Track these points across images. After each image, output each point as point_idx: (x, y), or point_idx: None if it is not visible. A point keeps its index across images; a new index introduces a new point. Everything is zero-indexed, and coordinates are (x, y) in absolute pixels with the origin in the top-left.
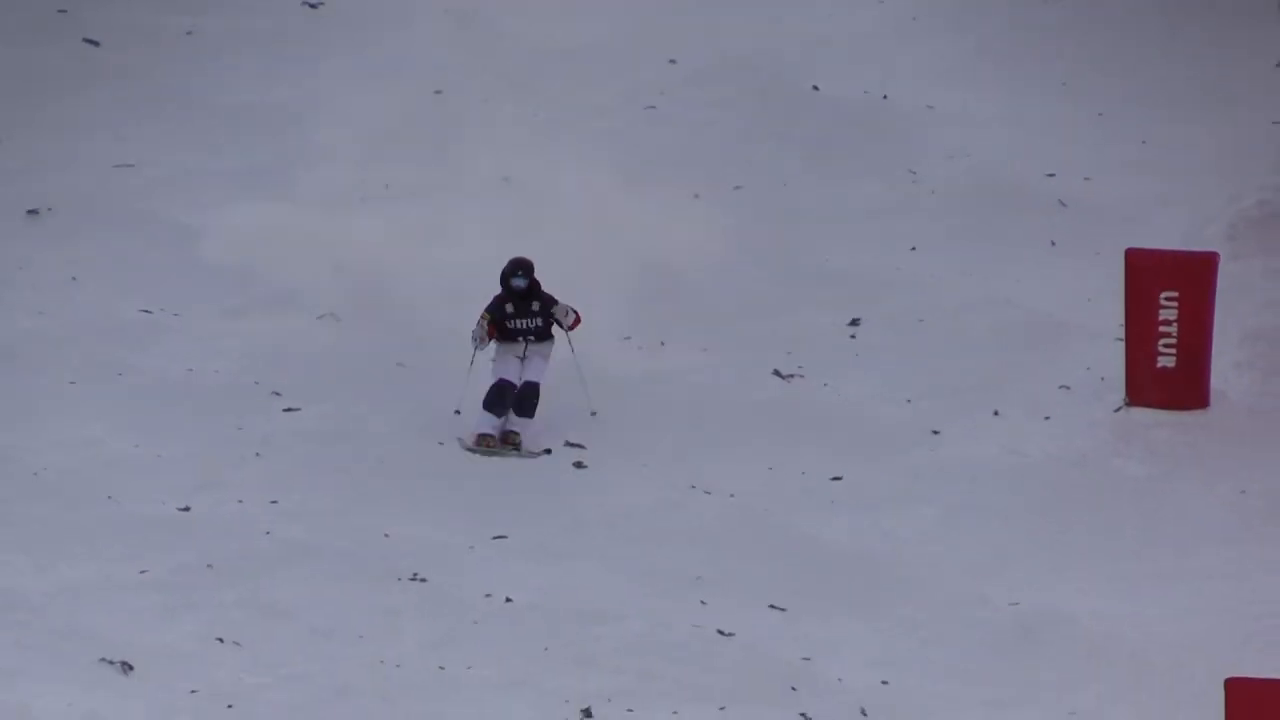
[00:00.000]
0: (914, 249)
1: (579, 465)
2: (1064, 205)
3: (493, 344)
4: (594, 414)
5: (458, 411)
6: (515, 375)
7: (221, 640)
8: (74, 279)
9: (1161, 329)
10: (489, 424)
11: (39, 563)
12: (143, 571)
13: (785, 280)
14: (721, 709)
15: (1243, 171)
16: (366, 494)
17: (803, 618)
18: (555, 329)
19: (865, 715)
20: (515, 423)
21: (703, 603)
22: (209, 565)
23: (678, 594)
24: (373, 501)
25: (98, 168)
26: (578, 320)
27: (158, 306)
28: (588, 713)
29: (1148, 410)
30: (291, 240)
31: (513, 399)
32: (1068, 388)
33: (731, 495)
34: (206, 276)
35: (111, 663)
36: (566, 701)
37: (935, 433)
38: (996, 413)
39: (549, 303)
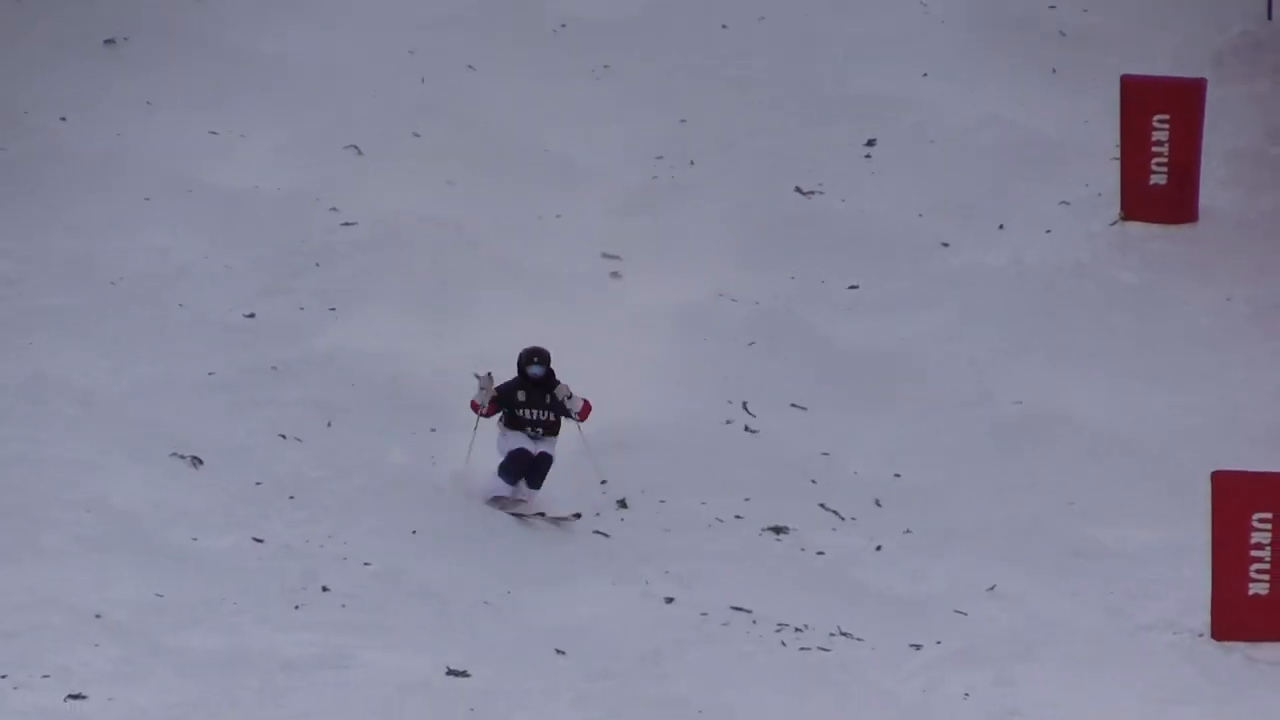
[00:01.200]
0: (925, 75)
1: (615, 275)
2: (1064, 35)
3: (497, 424)
4: (604, 483)
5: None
6: (531, 446)
7: (284, 437)
8: (148, 104)
9: (1154, 149)
10: (502, 489)
11: (115, 365)
12: (211, 373)
13: (805, 104)
14: (746, 500)
15: (1228, 4)
16: (420, 301)
17: (822, 415)
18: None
19: (880, 505)
20: (524, 493)
21: (729, 401)
22: (273, 367)
23: (706, 392)
24: (425, 307)
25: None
26: (588, 408)
27: (225, 129)
28: (623, 503)
29: (1141, 224)
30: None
31: (528, 469)
32: (1067, 203)
33: (756, 302)
34: (271, 102)
35: (182, 457)
36: (604, 493)
37: (945, 244)
38: (1001, 226)
39: (565, 398)
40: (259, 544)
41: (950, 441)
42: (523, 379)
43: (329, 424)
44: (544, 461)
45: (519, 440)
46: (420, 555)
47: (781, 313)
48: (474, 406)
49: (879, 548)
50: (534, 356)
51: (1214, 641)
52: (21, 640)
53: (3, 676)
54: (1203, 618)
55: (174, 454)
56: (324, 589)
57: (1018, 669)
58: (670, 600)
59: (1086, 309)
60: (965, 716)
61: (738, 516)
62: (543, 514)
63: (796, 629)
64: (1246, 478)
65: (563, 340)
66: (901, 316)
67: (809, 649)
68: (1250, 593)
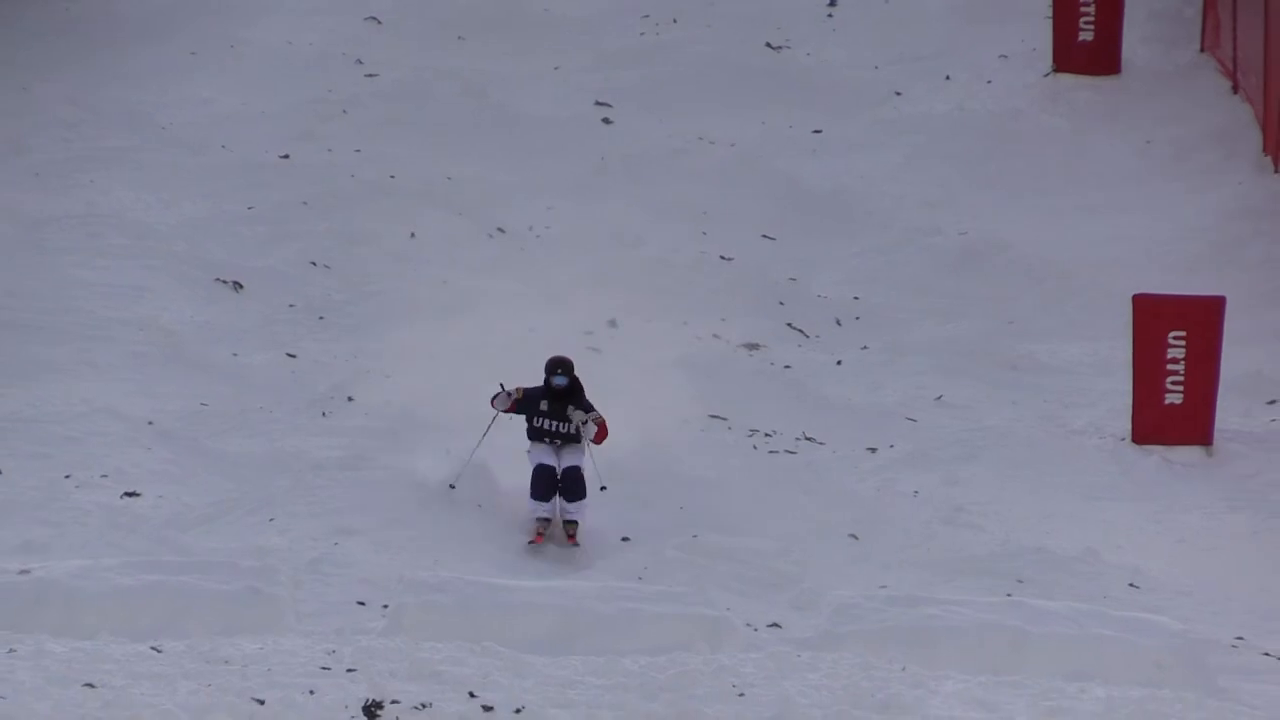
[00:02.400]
0: None
1: (606, 121)
2: None
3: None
4: (603, 489)
5: (452, 486)
6: (554, 460)
7: (314, 264)
8: None
9: (1082, 8)
10: (542, 510)
11: (165, 200)
12: (250, 208)
13: None
14: (722, 320)
15: None
16: (435, 143)
17: (789, 244)
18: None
19: (839, 324)
20: (569, 510)
21: (704, 233)
22: (304, 202)
23: (687, 225)
24: (441, 149)
25: None
26: (603, 432)
27: None
28: (612, 322)
29: (1071, 75)
30: None
31: (557, 485)
32: (1005, 57)
33: (731, 144)
34: None
35: (224, 282)
36: (596, 312)
37: (898, 93)
38: (948, 77)
39: (577, 420)
40: (292, 359)
41: (902, 268)
42: (547, 388)
43: (353, 250)
44: (573, 475)
45: (542, 454)
46: (436, 370)
47: (753, 154)
48: (492, 403)
49: (839, 362)
50: (558, 367)
51: (1134, 445)
52: (82, 445)
53: (66, 476)
54: (1125, 424)
55: (217, 279)
56: (349, 399)
57: (962, 470)
58: (656, 409)
59: (1023, 151)
60: (915, 512)
61: (715, 335)
62: (574, 537)
63: (766, 434)
64: (1164, 300)
65: (558, 180)
66: (859, 157)
67: (777, 452)
68: (1166, 402)
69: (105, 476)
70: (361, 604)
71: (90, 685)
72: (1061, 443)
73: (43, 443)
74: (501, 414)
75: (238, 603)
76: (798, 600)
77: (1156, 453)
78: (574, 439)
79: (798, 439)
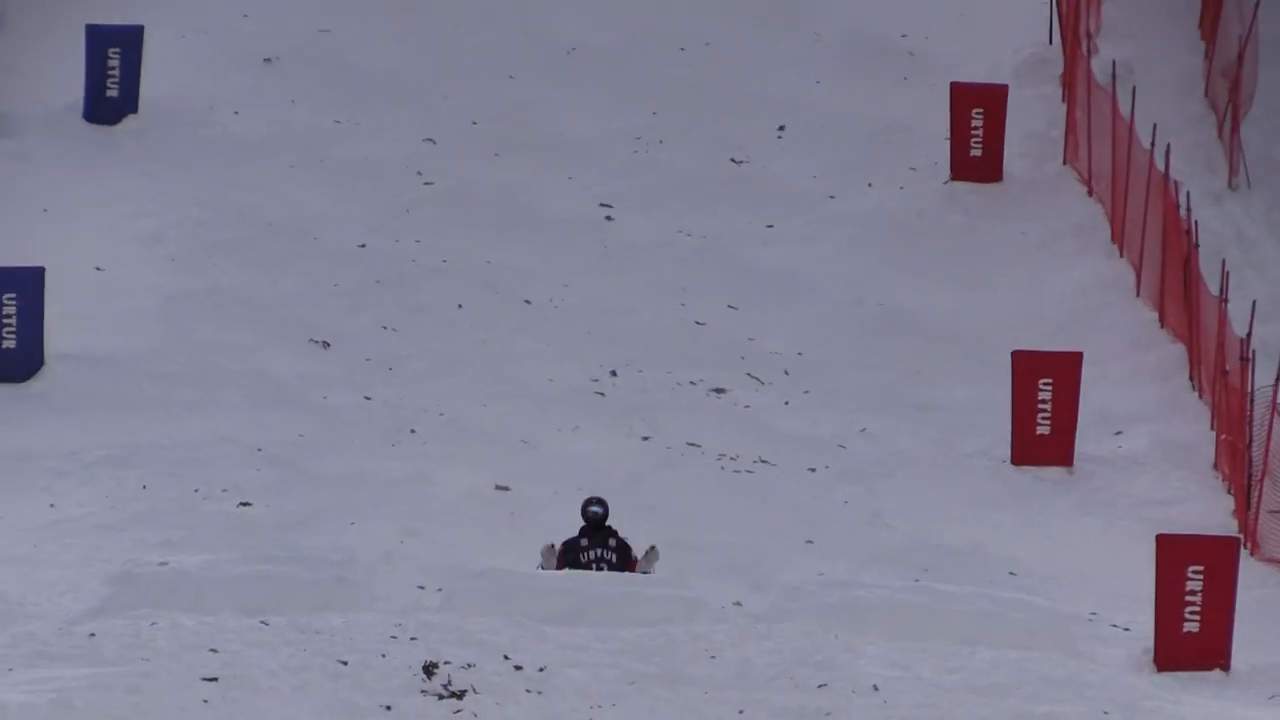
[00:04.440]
0: (818, 82)
1: (608, 218)
2: (911, 54)
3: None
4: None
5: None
6: None
7: (385, 328)
8: (293, 102)
9: (973, 133)
10: None
11: (271, 278)
12: (335, 284)
13: (739, 103)
14: (696, 371)
15: (1022, 33)
16: (478, 235)
17: (748, 312)
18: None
19: (787, 374)
20: None
21: (683, 304)
22: (377, 281)
23: (670, 298)
24: (482, 240)
25: None
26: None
27: (346, 119)
28: (614, 372)
29: (964, 183)
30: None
31: None
32: (914, 169)
33: (704, 236)
34: (378, 101)
35: (316, 341)
36: (600, 365)
37: (831, 197)
38: (870, 184)
39: (625, 546)
40: (368, 400)
41: (835, 331)
42: (585, 522)
43: (415, 318)
44: None
45: None
46: (479, 409)
47: (720, 244)
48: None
49: (787, 403)
50: (594, 501)
51: (1013, 465)
52: (207, 466)
53: (195, 490)
54: (1005, 449)
55: (311, 339)
56: (412, 431)
57: (880, 484)
58: (646, 439)
59: (927, 241)
60: (844, 516)
61: (692, 382)
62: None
63: (730, 458)
64: (1035, 355)
65: (571, 263)
66: (802, 246)
67: (739, 471)
68: (1037, 432)
69: (225, 491)
70: (421, 588)
71: (214, 650)
72: (956, 464)
73: (178, 464)
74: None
75: (326, 587)
76: (755, 583)
77: (1030, 472)
78: (621, 568)
79: (755, 461)
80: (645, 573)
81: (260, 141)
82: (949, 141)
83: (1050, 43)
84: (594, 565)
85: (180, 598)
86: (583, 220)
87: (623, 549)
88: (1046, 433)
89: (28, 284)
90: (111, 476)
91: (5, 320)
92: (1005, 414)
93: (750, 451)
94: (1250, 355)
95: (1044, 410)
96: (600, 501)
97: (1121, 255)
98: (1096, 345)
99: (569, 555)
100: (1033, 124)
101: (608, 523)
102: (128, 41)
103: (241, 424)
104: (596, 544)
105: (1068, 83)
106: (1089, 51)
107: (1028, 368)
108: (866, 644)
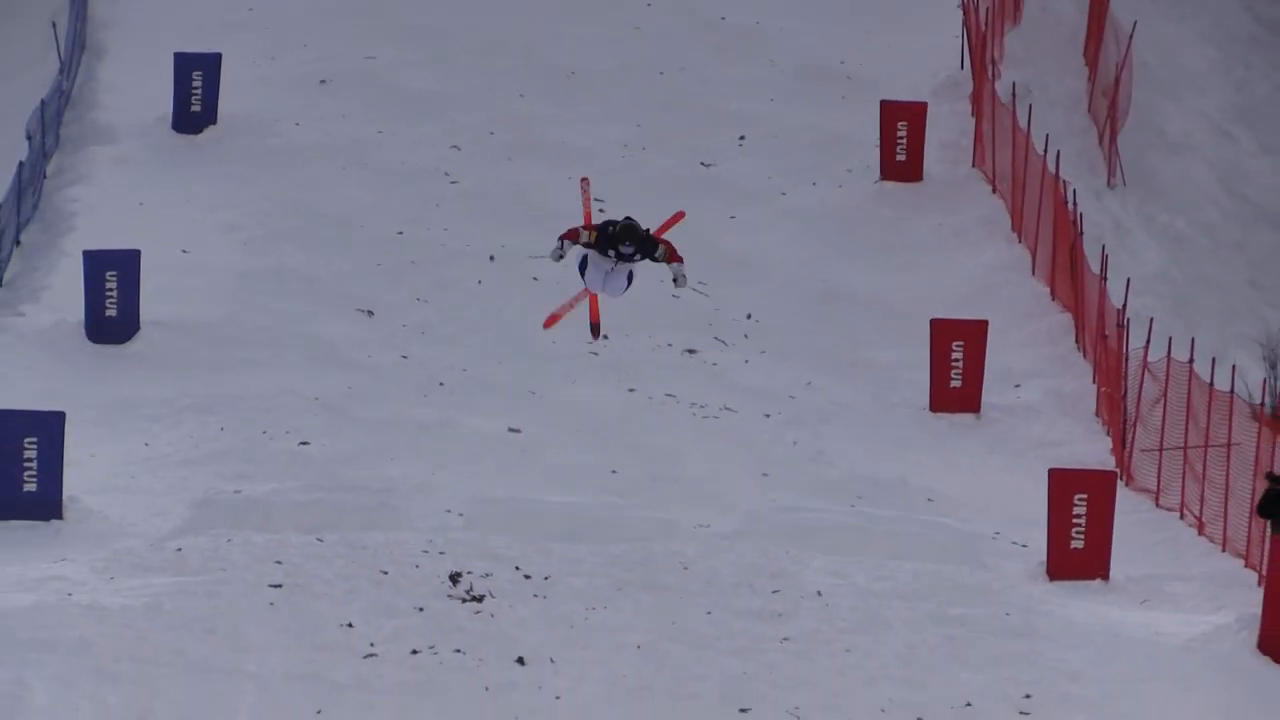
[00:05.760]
0: (772, 100)
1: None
2: (849, 78)
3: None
4: (701, 282)
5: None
6: (599, 287)
7: (419, 299)
8: (344, 116)
9: (898, 141)
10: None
11: (325, 259)
12: (378, 264)
13: (707, 117)
14: (674, 343)
15: (940, 57)
16: (495, 225)
17: (715, 289)
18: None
19: (747, 337)
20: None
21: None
22: (412, 261)
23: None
24: (499, 228)
25: None
26: (680, 259)
27: (386, 130)
28: (605, 336)
29: (892, 182)
30: (462, 100)
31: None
32: (851, 170)
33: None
34: (414, 114)
35: (362, 311)
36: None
37: (783, 193)
38: (814, 183)
39: (651, 248)
40: (405, 359)
41: (786, 303)
42: (617, 243)
43: (444, 292)
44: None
45: (597, 271)
46: (495, 366)
47: (692, 233)
48: (566, 235)
49: (746, 361)
50: (627, 238)
51: (931, 413)
52: (273, 413)
53: (263, 432)
54: (925, 399)
55: (357, 309)
56: (440, 384)
57: (823, 429)
58: (632, 390)
59: (862, 231)
60: (793, 453)
61: (669, 344)
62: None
63: (700, 405)
64: (949, 322)
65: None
66: (760, 234)
67: (707, 417)
68: (951, 385)
69: (288, 432)
70: (448, 512)
71: (278, 562)
72: (885, 411)
73: (249, 411)
74: (561, 258)
75: (371, 510)
76: (721, 509)
77: (945, 418)
78: (633, 261)
79: (720, 408)
80: (677, 281)
81: (316, 148)
82: (879, 148)
83: (962, 68)
84: (613, 255)
85: (251, 519)
86: (580, 212)
87: (646, 254)
88: (959, 386)
89: (126, 264)
90: (195, 421)
91: (109, 293)
92: (925, 371)
93: (716, 401)
94: (1125, 323)
95: (956, 368)
96: (632, 240)
97: (1020, 241)
98: (999, 315)
99: (599, 243)
100: (947, 134)
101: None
102: (209, 66)
103: (301, 378)
104: (622, 259)
105: (976, 100)
106: (993, 75)
107: (943, 333)
108: (811, 558)
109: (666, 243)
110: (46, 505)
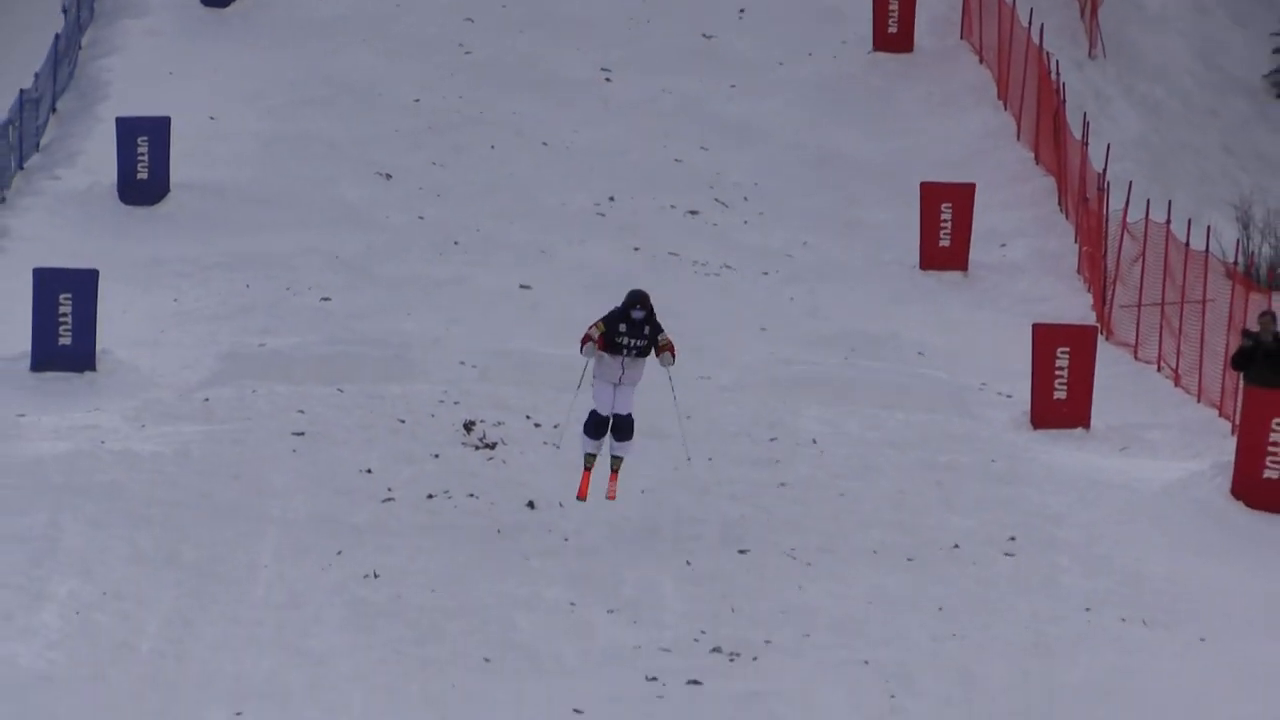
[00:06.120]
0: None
1: (607, 79)
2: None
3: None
4: (689, 459)
5: (555, 426)
6: (609, 406)
7: (434, 163)
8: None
9: (890, 12)
10: (591, 446)
11: (348, 126)
12: (396, 130)
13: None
14: (677, 205)
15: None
16: (505, 92)
17: (717, 153)
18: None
19: (746, 199)
20: (617, 447)
21: (664, 145)
22: (429, 127)
23: (656, 132)
24: (509, 95)
25: None
26: (672, 351)
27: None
28: (612, 198)
29: (884, 53)
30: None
31: (608, 427)
32: (845, 42)
33: (684, 94)
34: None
35: (381, 174)
36: (601, 192)
37: (780, 64)
38: (810, 54)
39: (657, 331)
40: (421, 219)
41: (783, 166)
42: (626, 317)
43: (457, 156)
44: (624, 422)
45: (604, 391)
46: (507, 226)
47: (696, 98)
48: (582, 349)
49: (745, 222)
50: (636, 302)
51: (921, 270)
52: (297, 271)
53: (287, 288)
54: (915, 258)
55: (376, 173)
56: (455, 243)
57: (819, 286)
58: (637, 249)
59: (855, 98)
60: (790, 308)
61: (672, 206)
62: (616, 476)
63: (701, 263)
64: (938, 185)
65: (574, 112)
66: (758, 101)
67: (709, 274)
68: (940, 244)
69: (310, 289)
70: (462, 364)
71: (300, 411)
72: (877, 269)
73: (274, 269)
74: (590, 358)
75: (388, 363)
76: (720, 360)
77: (934, 275)
78: (645, 352)
79: (721, 266)
80: (664, 363)
81: (338, 20)
82: (872, 20)
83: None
84: (624, 350)
85: (274, 371)
86: (588, 81)
87: (652, 338)
88: (947, 245)
89: (157, 130)
90: (222, 278)
91: (140, 157)
92: (915, 231)
93: (717, 259)
94: (1105, 186)
95: (945, 227)
96: (642, 305)
97: (1005, 109)
98: (986, 178)
99: (609, 331)
100: (937, 7)
101: (644, 323)
102: None
103: (322, 238)
104: (633, 334)
105: None
106: None
107: (932, 195)
108: (807, 408)
109: (669, 340)
110: (81, 358)
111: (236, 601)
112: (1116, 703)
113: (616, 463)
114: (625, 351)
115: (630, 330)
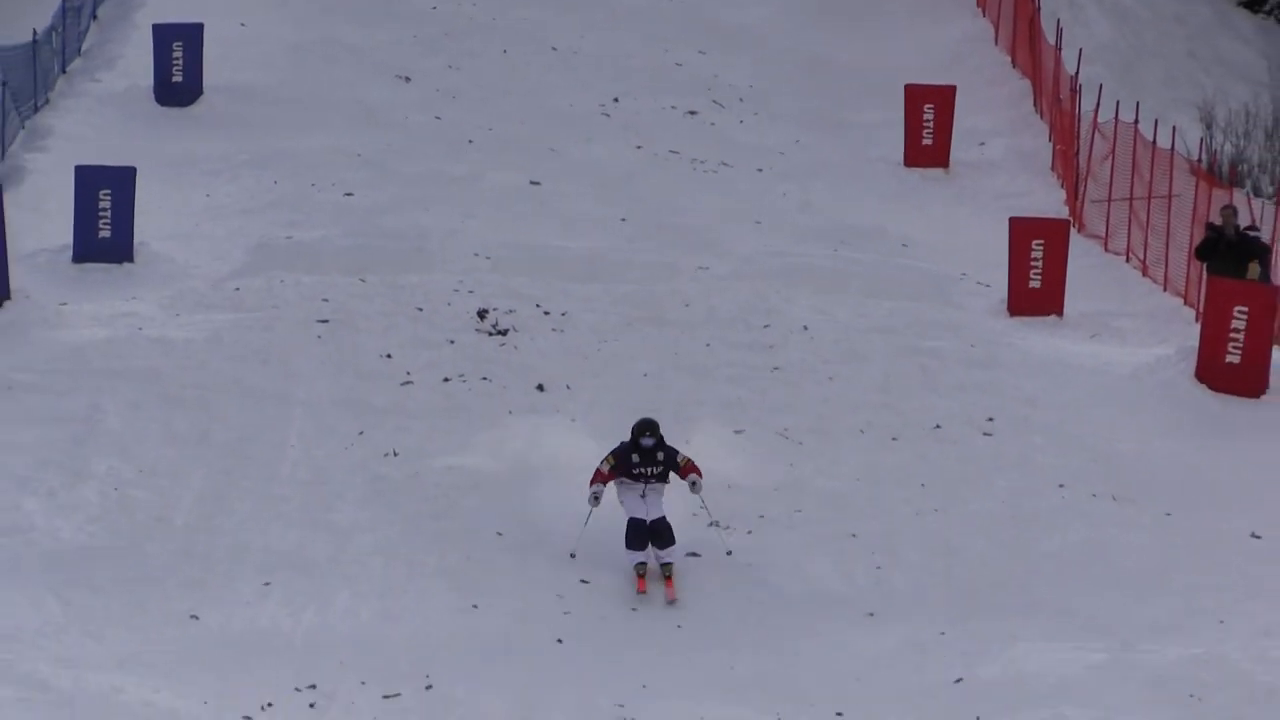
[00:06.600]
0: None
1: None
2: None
3: (610, 485)
4: (729, 553)
5: (573, 555)
6: (643, 513)
7: (450, 66)
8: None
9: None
10: (639, 558)
11: (372, 32)
12: (414, 35)
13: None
14: (677, 106)
15: None
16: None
17: (714, 58)
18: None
19: (742, 100)
20: (662, 555)
21: (666, 50)
22: (445, 33)
23: (657, 46)
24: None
25: None
26: (698, 472)
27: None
28: (616, 99)
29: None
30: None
31: (649, 535)
32: None
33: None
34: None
35: (400, 77)
36: (606, 94)
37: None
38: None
39: (672, 454)
40: (438, 119)
41: (777, 71)
42: (635, 446)
43: (471, 60)
44: (661, 526)
45: (635, 503)
46: (518, 126)
47: (693, 6)
48: (592, 499)
49: (741, 121)
50: (645, 430)
51: (905, 167)
52: (320, 168)
53: (312, 185)
54: (899, 155)
55: (396, 76)
56: (469, 142)
57: (811, 184)
58: (639, 147)
59: (843, 6)
60: (783, 203)
61: (673, 106)
62: (671, 582)
63: (700, 161)
64: (922, 87)
65: (580, 25)
66: (752, 8)
67: (707, 171)
68: (923, 143)
69: (334, 185)
70: (477, 255)
71: (325, 300)
72: (864, 166)
73: (299, 166)
74: (598, 502)
75: (407, 254)
76: (717, 252)
77: (918, 171)
78: (664, 478)
79: (718, 164)
80: (694, 489)
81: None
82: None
83: None
84: (642, 479)
85: (301, 262)
86: (591, 41)
87: (669, 461)
88: (930, 144)
89: (191, 36)
90: (251, 175)
91: (175, 61)
92: (900, 131)
93: (715, 157)
94: (1077, 88)
95: (928, 126)
96: (652, 433)
97: (984, 15)
98: (966, 81)
99: (621, 463)
100: None
101: (656, 449)
102: None
103: (345, 137)
104: (647, 462)
105: None
106: None
107: (916, 97)
108: (799, 296)
109: (688, 459)
110: (119, 250)
111: (265, 479)
112: (1088, 572)
113: (667, 569)
114: (644, 480)
115: (644, 459)
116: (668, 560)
